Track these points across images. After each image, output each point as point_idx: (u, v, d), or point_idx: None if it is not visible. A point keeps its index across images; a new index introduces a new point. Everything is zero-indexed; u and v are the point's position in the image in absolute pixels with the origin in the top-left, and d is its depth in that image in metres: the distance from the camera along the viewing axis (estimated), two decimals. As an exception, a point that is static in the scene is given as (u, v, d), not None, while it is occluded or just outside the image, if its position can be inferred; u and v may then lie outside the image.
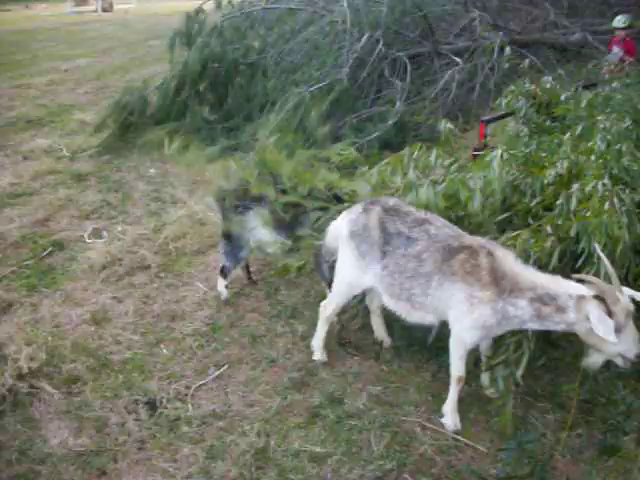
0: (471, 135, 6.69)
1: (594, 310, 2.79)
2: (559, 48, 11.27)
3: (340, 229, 3.50)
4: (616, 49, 8.34)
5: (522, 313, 2.98)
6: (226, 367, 3.82)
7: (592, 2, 11.70)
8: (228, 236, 4.42)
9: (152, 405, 3.50)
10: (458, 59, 8.83)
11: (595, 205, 3.33)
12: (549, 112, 5.24)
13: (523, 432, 3.22)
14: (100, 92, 11.07)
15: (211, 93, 8.34)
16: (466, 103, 8.68)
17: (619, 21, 8.36)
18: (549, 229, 3.32)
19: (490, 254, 3.03)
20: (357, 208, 3.47)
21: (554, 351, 3.63)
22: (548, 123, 5.05)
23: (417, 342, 3.90)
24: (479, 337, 3.17)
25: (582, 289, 2.90)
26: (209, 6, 9.60)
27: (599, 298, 2.81)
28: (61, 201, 6.31)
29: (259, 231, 4.31)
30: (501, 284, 2.98)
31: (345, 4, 7.78)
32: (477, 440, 3.25)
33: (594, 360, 3.04)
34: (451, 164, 4.14)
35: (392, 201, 3.43)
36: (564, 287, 2.93)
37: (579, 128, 4.47)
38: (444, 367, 3.70)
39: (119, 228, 5.69)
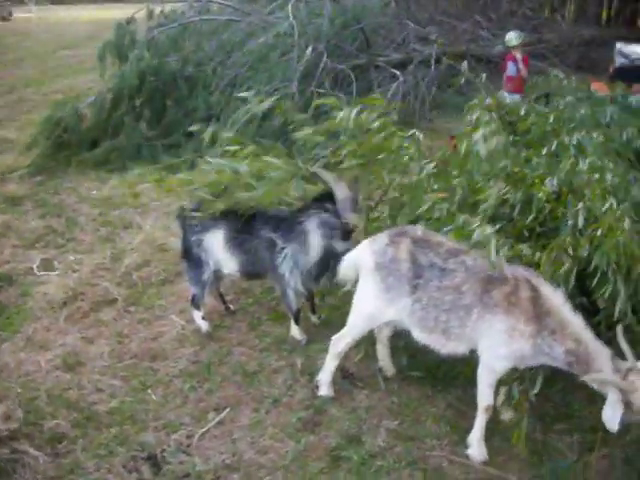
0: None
1: (612, 396, 2.78)
2: (484, 60, 11.67)
3: (363, 260, 3.28)
4: (511, 65, 7.93)
5: (554, 356, 2.94)
6: (227, 410, 3.51)
7: (513, 17, 12.18)
8: (188, 258, 4.17)
9: (154, 461, 3.14)
10: (397, 71, 8.88)
11: (607, 224, 3.30)
12: (512, 127, 5.26)
13: (555, 459, 3.15)
14: (17, 106, 10.29)
15: (149, 108, 7.90)
16: (408, 115, 8.73)
17: (515, 39, 7.95)
18: (570, 251, 3.25)
19: (534, 288, 2.94)
20: (382, 239, 3.27)
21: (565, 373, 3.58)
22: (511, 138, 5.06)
23: (422, 370, 3.77)
24: (510, 367, 3.07)
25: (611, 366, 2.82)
26: (138, 15, 9.12)
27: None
28: (-2, 229, 5.72)
29: (218, 252, 4.05)
30: (544, 321, 2.90)
31: (291, 16, 7.59)
32: (505, 470, 3.14)
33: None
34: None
35: (420, 231, 3.27)
36: (602, 358, 2.85)
37: (554, 144, 4.49)
38: (456, 395, 3.60)
39: (72, 258, 5.19)
